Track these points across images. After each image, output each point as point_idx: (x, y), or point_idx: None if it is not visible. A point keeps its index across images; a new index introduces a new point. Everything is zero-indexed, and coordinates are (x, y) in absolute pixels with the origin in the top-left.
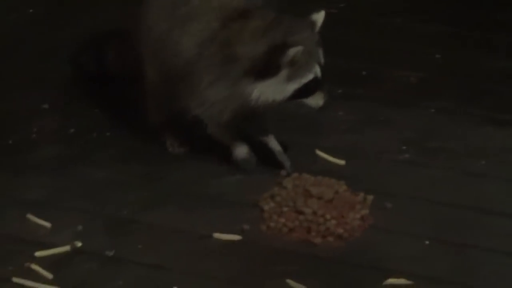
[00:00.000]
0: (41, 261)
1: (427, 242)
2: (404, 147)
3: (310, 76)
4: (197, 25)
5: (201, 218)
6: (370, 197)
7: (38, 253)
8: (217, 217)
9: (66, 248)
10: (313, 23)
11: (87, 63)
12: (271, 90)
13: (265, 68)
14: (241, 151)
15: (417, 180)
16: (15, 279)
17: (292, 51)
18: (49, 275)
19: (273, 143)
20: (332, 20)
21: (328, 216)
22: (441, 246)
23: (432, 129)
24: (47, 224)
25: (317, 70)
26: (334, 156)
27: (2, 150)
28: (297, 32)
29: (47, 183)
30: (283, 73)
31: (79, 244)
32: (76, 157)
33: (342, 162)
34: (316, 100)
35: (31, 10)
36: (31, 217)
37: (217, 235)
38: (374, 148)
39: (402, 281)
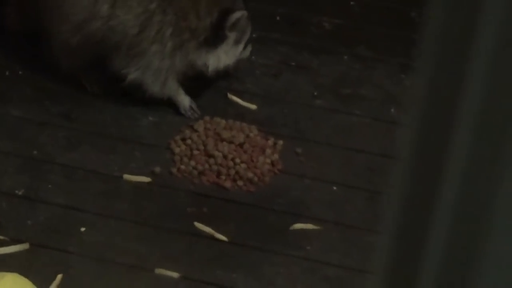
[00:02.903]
0: None
1: (336, 188)
2: (317, 93)
3: (248, 34)
4: None
5: (114, 160)
6: (281, 142)
7: None
8: (130, 159)
9: None
10: None
11: None
12: (224, 56)
13: (215, 35)
14: (186, 102)
15: (329, 126)
16: None
17: (237, 15)
18: None
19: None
20: None
21: (238, 160)
22: (350, 192)
23: (346, 75)
24: None
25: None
26: (246, 101)
27: None
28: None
29: None
30: (231, 37)
31: None
32: None
33: (253, 106)
34: (246, 52)
35: None
36: None
37: (127, 176)
38: (287, 93)
39: (309, 226)
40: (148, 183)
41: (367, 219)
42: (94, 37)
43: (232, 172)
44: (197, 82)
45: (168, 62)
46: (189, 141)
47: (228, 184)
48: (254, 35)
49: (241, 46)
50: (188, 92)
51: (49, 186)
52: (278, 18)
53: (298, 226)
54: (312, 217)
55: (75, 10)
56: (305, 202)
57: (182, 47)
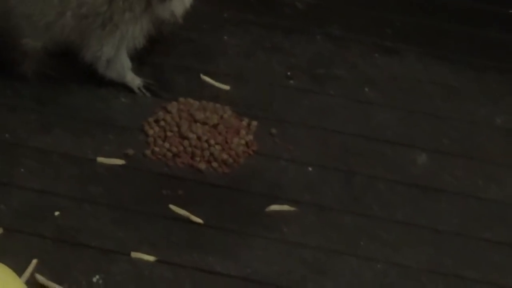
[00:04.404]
0: None
1: (311, 169)
2: (291, 73)
3: None
4: None
5: (87, 143)
6: (255, 123)
7: None
8: (103, 141)
9: None
10: None
11: None
12: (175, 5)
13: None
14: (137, 82)
15: (303, 106)
16: None
17: None
18: None
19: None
20: None
21: (212, 142)
22: (326, 173)
23: (320, 56)
24: None
25: None
26: (220, 81)
27: None
28: None
29: None
30: None
31: None
32: None
33: (227, 87)
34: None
35: None
36: None
37: (100, 159)
38: (260, 74)
39: (285, 207)
40: (122, 165)
41: (343, 200)
42: (63, 34)
43: (207, 153)
44: (170, 63)
45: (140, 26)
46: (162, 123)
47: (202, 166)
48: (225, 15)
49: None
50: (158, 72)
51: (22, 170)
52: None
53: (274, 207)
54: (288, 198)
55: (45, 12)
56: (280, 183)
57: (148, 6)
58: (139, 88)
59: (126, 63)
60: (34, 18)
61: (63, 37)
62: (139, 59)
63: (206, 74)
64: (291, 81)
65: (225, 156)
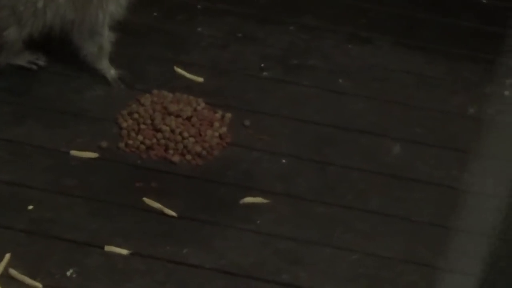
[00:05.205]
0: None
1: (285, 160)
2: (265, 64)
3: None
4: None
5: (60, 135)
6: (229, 115)
7: None
8: (77, 134)
9: None
10: None
11: None
12: None
13: None
14: (111, 71)
15: (277, 97)
16: None
17: None
18: None
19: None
20: None
21: (186, 134)
22: (300, 163)
23: (293, 46)
24: None
25: None
26: (193, 73)
27: None
28: None
29: None
30: None
31: None
32: None
33: (200, 79)
34: None
35: None
36: None
37: (74, 152)
38: (234, 65)
39: (259, 199)
40: (95, 158)
41: (317, 191)
42: (56, 17)
43: (180, 146)
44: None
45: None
46: (136, 115)
47: (176, 158)
48: (199, 6)
49: None
50: (131, 63)
51: None
52: None
53: (248, 199)
54: (262, 189)
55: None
56: (254, 175)
57: None
58: (113, 79)
59: (109, 39)
60: (20, 8)
61: (54, 21)
62: (112, 50)
63: (179, 65)
64: (265, 73)
65: (198, 148)
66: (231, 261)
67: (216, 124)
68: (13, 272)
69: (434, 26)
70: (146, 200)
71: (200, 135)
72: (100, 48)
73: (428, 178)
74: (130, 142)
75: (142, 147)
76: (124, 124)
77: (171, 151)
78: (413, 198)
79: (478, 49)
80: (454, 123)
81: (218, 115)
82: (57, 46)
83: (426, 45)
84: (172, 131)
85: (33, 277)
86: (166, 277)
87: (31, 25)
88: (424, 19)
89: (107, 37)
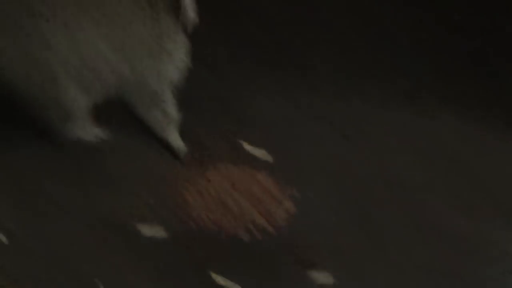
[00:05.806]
0: None
1: None
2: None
3: None
4: None
5: (127, 209)
6: (294, 189)
7: None
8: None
9: None
10: None
11: None
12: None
13: None
14: (180, 143)
15: None
16: None
17: None
18: None
19: None
20: None
21: (253, 211)
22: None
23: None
24: None
25: None
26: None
27: None
28: None
29: None
30: None
31: None
32: None
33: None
34: None
35: None
36: None
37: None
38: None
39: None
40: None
41: None
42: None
43: (248, 223)
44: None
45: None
46: (204, 192)
47: (245, 236)
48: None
49: None
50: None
51: None
52: None
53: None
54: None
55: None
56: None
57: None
58: (182, 152)
59: (174, 106)
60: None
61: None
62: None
63: (245, 139)
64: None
65: (264, 223)
66: None
67: (282, 199)
68: None
69: None
70: (214, 275)
71: (266, 211)
72: (164, 114)
73: None
74: (197, 217)
75: (209, 223)
76: (191, 200)
77: (240, 229)
78: None
79: None
80: None
81: (285, 190)
82: (121, 118)
83: None
84: (240, 208)
85: None
86: None
87: (97, 88)
88: None
89: (171, 103)
